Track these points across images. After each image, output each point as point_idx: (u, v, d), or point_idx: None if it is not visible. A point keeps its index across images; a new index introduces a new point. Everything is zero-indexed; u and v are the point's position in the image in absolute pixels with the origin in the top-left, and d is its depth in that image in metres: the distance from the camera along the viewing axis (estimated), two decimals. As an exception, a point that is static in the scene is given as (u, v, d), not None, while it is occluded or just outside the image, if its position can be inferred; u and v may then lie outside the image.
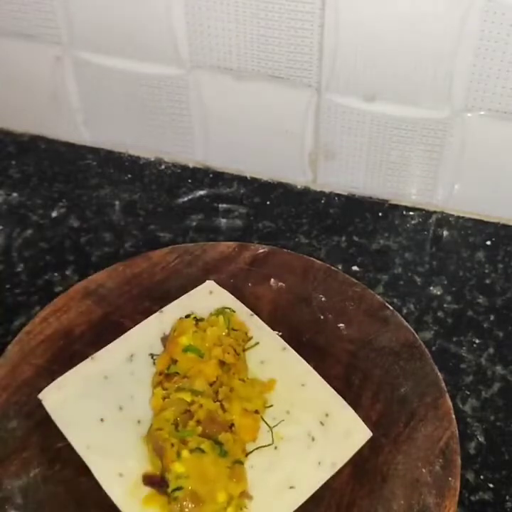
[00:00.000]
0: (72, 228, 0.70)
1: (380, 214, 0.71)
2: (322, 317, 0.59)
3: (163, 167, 0.76)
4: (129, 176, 0.76)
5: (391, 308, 0.59)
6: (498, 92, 0.61)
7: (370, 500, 0.48)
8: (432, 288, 0.64)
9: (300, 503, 0.48)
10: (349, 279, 0.61)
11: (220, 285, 0.60)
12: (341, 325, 0.58)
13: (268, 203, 0.73)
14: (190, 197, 0.73)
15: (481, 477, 0.53)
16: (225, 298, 0.59)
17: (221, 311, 0.56)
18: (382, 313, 0.59)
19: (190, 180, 0.75)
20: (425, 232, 0.70)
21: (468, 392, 0.57)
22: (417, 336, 0.57)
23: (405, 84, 0.63)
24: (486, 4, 0.56)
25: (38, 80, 0.74)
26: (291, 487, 0.49)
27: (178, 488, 0.46)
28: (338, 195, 0.73)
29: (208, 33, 0.65)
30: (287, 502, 0.48)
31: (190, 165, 0.76)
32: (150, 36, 0.66)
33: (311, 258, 0.63)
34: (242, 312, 0.58)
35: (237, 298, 0.59)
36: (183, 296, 0.59)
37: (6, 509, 0.47)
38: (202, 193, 0.74)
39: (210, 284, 0.60)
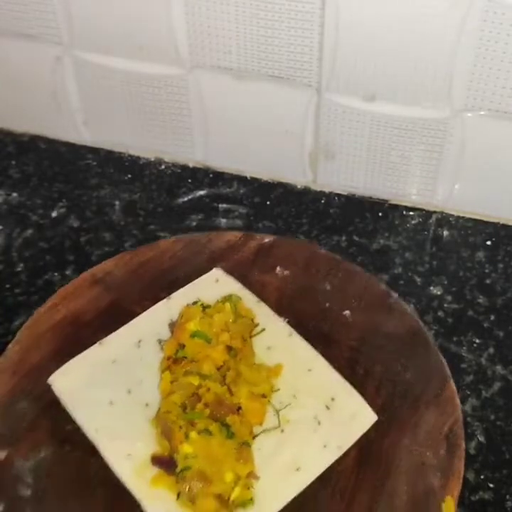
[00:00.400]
0: (72, 228, 0.70)
1: (380, 214, 0.71)
2: (328, 305, 0.60)
3: (163, 167, 0.76)
4: (129, 176, 0.76)
5: (396, 296, 0.60)
6: (498, 92, 0.61)
7: (376, 482, 0.49)
8: (432, 288, 0.64)
9: (306, 485, 0.49)
10: (354, 268, 0.62)
11: (227, 273, 0.61)
12: (346, 312, 0.59)
13: (268, 203, 0.73)
14: (190, 197, 0.73)
15: (481, 477, 0.53)
16: (231, 285, 0.60)
17: (228, 298, 0.57)
18: (387, 301, 0.60)
19: (190, 180, 0.75)
20: (425, 232, 0.70)
21: (468, 392, 0.57)
22: (421, 323, 0.58)
23: (405, 84, 0.63)
24: (486, 4, 0.56)
25: (38, 80, 0.74)
26: (297, 469, 0.50)
27: (186, 468, 0.47)
28: (338, 195, 0.73)
29: (208, 33, 0.65)
30: (294, 483, 0.49)
31: (190, 165, 0.76)
32: (150, 36, 0.66)
33: (316, 247, 0.64)
34: (249, 299, 0.59)
35: (244, 286, 0.60)
36: (190, 284, 0.60)
37: (17, 488, 0.49)
38: (202, 193, 0.74)
39: (216, 272, 0.61)
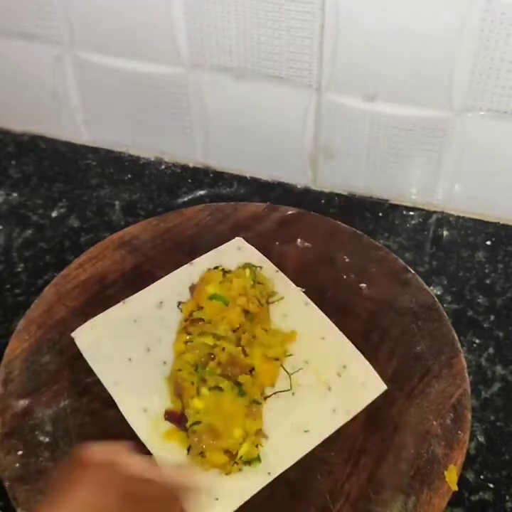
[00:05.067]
0: (72, 228, 0.70)
1: (380, 214, 0.71)
2: (345, 277, 0.61)
3: (163, 167, 0.76)
4: (129, 176, 0.76)
5: (413, 271, 0.61)
6: (498, 92, 0.61)
7: (381, 447, 0.51)
8: (432, 288, 0.64)
9: (313, 446, 0.51)
10: (373, 243, 0.64)
11: (249, 243, 0.63)
12: (363, 285, 0.61)
13: (268, 203, 0.72)
14: (190, 197, 0.73)
15: (481, 477, 0.53)
16: (252, 254, 0.62)
17: (248, 265, 0.59)
18: (404, 276, 0.61)
19: (190, 180, 0.75)
20: (425, 232, 0.70)
21: (468, 392, 0.57)
22: (436, 299, 0.59)
23: (405, 84, 0.63)
24: (486, 4, 0.56)
25: (38, 79, 0.74)
26: (305, 431, 0.51)
27: (197, 423, 0.48)
28: (338, 195, 0.73)
29: (208, 33, 0.65)
30: (301, 444, 0.51)
31: (190, 165, 0.76)
32: (150, 36, 0.66)
33: (338, 222, 0.65)
34: (269, 268, 0.60)
35: (264, 255, 0.62)
36: (212, 251, 0.62)
37: (36, 435, 0.51)
38: (202, 193, 0.74)
39: (239, 241, 0.63)
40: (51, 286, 0.60)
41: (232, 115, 0.71)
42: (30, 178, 0.75)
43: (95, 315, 0.57)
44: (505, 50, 0.58)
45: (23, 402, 0.53)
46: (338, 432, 0.51)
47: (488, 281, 0.65)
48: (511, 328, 0.62)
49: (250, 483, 0.49)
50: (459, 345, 0.56)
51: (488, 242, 0.69)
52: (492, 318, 0.62)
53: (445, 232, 0.69)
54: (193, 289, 0.58)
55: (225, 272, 0.58)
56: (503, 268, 0.66)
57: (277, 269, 0.61)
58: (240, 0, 0.61)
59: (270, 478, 0.49)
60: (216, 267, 0.59)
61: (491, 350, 0.60)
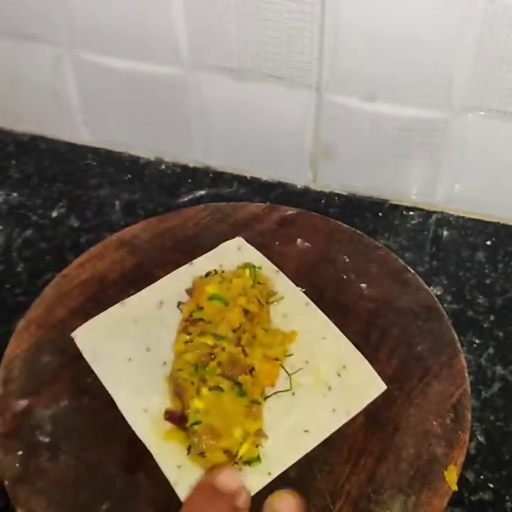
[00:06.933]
0: (72, 228, 0.70)
1: (380, 214, 0.71)
2: (345, 277, 0.61)
3: (163, 167, 0.76)
4: (129, 175, 0.76)
5: (413, 271, 0.61)
6: (498, 92, 0.61)
7: (381, 447, 0.51)
8: (432, 288, 0.64)
9: (313, 446, 0.50)
10: (374, 243, 0.64)
11: (249, 243, 0.63)
12: (363, 285, 0.60)
13: (268, 203, 0.72)
14: (190, 197, 0.73)
15: (481, 477, 0.53)
16: (252, 254, 0.61)
17: (248, 265, 0.58)
18: (404, 276, 0.61)
19: (190, 180, 0.75)
20: (425, 232, 0.70)
21: (468, 392, 0.57)
22: (436, 299, 0.59)
23: (405, 84, 0.63)
24: (485, 4, 0.56)
25: (38, 79, 0.74)
26: (305, 431, 0.51)
27: (197, 423, 0.48)
28: (338, 195, 0.73)
29: (208, 33, 0.65)
30: (301, 444, 0.50)
31: (190, 165, 0.76)
32: (150, 36, 0.66)
33: (338, 222, 0.65)
34: (269, 268, 0.60)
35: (264, 255, 0.61)
36: (212, 251, 0.62)
37: (36, 435, 0.51)
38: (202, 193, 0.74)
39: (239, 241, 0.63)
40: (51, 286, 0.60)
41: (232, 115, 0.71)
42: (30, 178, 0.75)
43: (95, 315, 0.57)
44: (505, 50, 0.58)
45: (23, 402, 0.53)
46: (338, 432, 0.51)
47: (488, 281, 0.65)
48: (511, 328, 0.62)
49: (250, 483, 0.48)
50: (459, 345, 0.56)
51: (488, 242, 0.69)
52: (492, 318, 0.62)
53: (445, 232, 0.70)
54: (190, 291, 0.58)
55: (216, 273, 0.58)
56: (503, 268, 0.66)
57: (277, 269, 0.60)
58: (239, 0, 0.61)
59: (270, 478, 0.49)
60: (207, 274, 0.58)
61: (491, 350, 0.60)
